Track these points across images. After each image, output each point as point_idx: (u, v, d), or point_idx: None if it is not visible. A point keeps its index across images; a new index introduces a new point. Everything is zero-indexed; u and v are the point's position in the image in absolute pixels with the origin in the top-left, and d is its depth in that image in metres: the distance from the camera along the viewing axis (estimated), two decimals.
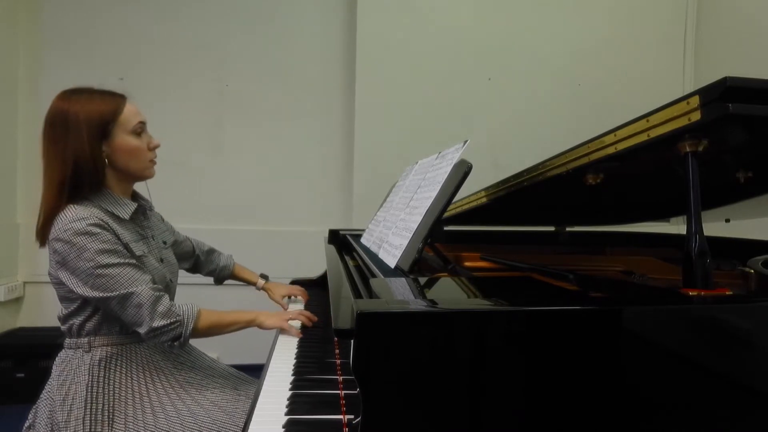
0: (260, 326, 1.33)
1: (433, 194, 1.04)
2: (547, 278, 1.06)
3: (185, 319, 1.19)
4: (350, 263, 1.37)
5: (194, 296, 1.37)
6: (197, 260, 1.64)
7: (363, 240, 1.55)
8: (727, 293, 0.75)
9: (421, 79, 3.06)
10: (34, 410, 1.21)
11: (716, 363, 0.67)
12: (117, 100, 1.21)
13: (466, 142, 1.10)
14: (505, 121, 3.13)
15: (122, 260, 1.14)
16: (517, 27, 3.14)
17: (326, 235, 2.09)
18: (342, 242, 1.94)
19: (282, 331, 1.35)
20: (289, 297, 1.72)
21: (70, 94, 1.18)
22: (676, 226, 1.97)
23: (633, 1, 3.25)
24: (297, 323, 1.37)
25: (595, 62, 3.20)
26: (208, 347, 1.44)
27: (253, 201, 3.08)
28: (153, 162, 1.27)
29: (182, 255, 1.57)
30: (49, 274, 1.18)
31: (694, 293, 0.74)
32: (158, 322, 1.14)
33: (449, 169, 1.05)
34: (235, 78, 3.06)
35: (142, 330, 1.14)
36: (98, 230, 1.11)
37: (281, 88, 3.10)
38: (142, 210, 1.30)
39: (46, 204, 1.15)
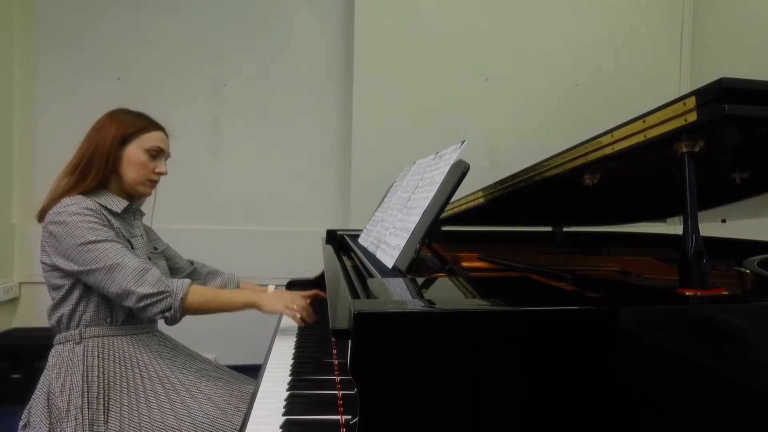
0: (260, 308, 1.30)
1: (431, 194, 1.04)
2: (544, 278, 1.07)
3: (175, 290, 1.19)
4: (348, 263, 1.37)
5: None
6: (196, 277, 1.60)
7: (360, 240, 1.54)
8: (723, 293, 0.75)
9: (419, 79, 3.06)
10: (27, 409, 1.21)
11: (713, 363, 0.67)
12: (152, 123, 1.33)
13: (463, 142, 1.09)
14: (503, 122, 3.14)
15: (111, 237, 1.19)
16: (515, 27, 3.15)
17: (324, 235, 2.09)
18: (340, 242, 1.94)
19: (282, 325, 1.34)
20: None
21: (119, 111, 1.31)
22: (673, 227, 1.98)
23: (630, 2, 3.26)
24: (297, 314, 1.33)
25: (593, 63, 3.21)
26: (206, 348, 1.43)
27: (251, 201, 3.07)
28: (152, 182, 1.33)
29: (174, 269, 1.55)
30: (42, 262, 1.21)
31: (691, 293, 0.75)
32: (147, 289, 1.14)
33: (447, 169, 1.05)
34: (232, 78, 3.05)
35: (131, 301, 1.15)
36: (90, 212, 1.18)
37: (278, 88, 3.09)
38: (133, 211, 1.35)
39: (56, 184, 1.25)
